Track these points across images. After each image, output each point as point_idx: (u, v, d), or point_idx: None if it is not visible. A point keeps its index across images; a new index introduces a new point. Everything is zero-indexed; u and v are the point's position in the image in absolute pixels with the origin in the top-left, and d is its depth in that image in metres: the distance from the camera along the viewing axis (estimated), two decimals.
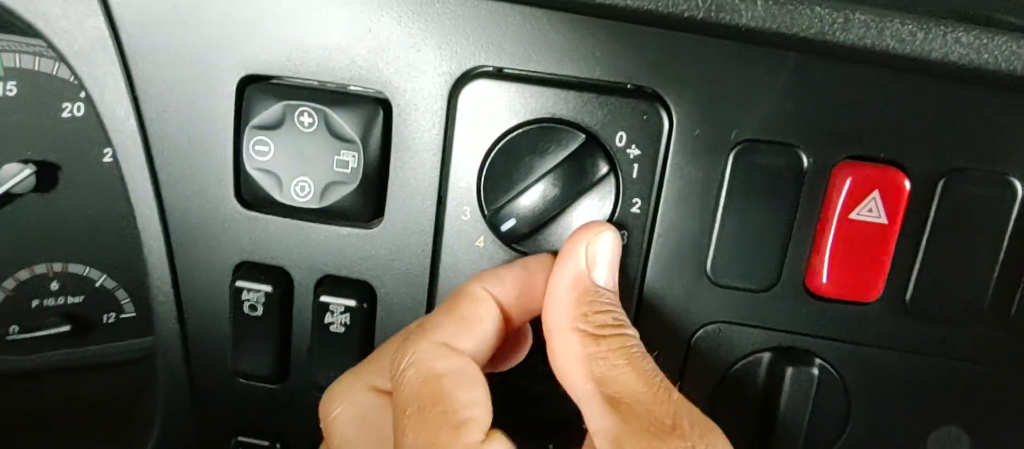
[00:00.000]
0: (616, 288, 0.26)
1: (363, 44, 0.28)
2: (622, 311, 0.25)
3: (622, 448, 0.21)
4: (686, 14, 0.26)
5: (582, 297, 0.24)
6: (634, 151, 0.27)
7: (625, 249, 0.28)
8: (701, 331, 0.29)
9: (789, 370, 0.28)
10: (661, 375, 0.23)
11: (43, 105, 0.38)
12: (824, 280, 0.27)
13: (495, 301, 0.25)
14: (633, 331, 0.24)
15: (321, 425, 0.26)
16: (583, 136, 0.27)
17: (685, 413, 0.22)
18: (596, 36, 0.27)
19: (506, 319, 0.25)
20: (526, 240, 0.27)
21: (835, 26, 0.25)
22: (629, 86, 0.27)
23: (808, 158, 0.27)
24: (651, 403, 0.22)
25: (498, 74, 0.27)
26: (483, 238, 0.28)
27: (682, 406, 0.22)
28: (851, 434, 0.30)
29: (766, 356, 0.29)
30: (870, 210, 0.26)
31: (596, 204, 0.27)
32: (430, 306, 0.30)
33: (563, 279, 0.25)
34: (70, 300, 0.43)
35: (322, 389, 0.26)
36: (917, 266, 0.27)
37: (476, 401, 0.22)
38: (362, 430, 0.24)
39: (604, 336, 0.23)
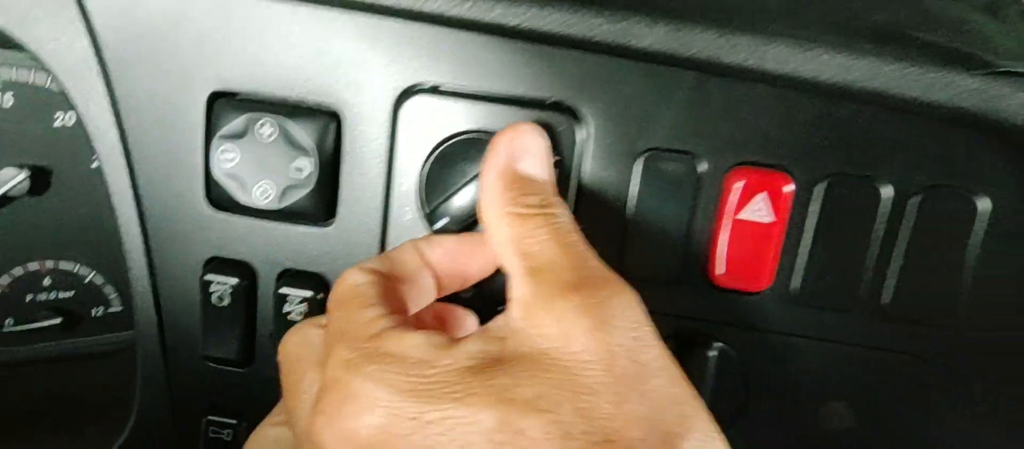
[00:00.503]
0: (546, 174, 0.27)
1: (317, 64, 0.32)
2: (553, 193, 0.27)
3: (527, 308, 0.23)
4: (598, 38, 0.30)
5: (508, 185, 0.26)
6: (553, 159, 0.31)
7: None
8: None
9: (690, 352, 0.31)
10: (583, 246, 0.25)
11: (37, 115, 0.42)
12: (721, 272, 0.31)
13: (421, 255, 0.28)
14: (562, 209, 0.26)
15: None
16: None
17: (596, 273, 0.24)
18: (520, 57, 0.31)
19: (438, 279, 0.28)
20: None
21: (723, 50, 0.29)
22: (549, 101, 0.31)
23: (704, 164, 0.31)
24: (564, 269, 0.23)
25: (435, 91, 0.31)
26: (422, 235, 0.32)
27: (595, 269, 0.24)
28: (751, 410, 0.33)
29: (671, 341, 0.32)
30: (758, 210, 0.30)
31: None
32: None
33: (490, 173, 0.27)
34: (61, 295, 0.47)
35: None
36: (801, 259, 0.31)
37: (388, 293, 0.25)
38: (305, 350, 0.27)
39: (531, 215, 0.25)
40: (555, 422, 0.20)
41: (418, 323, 0.29)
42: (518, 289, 0.24)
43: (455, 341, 0.23)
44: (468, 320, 0.32)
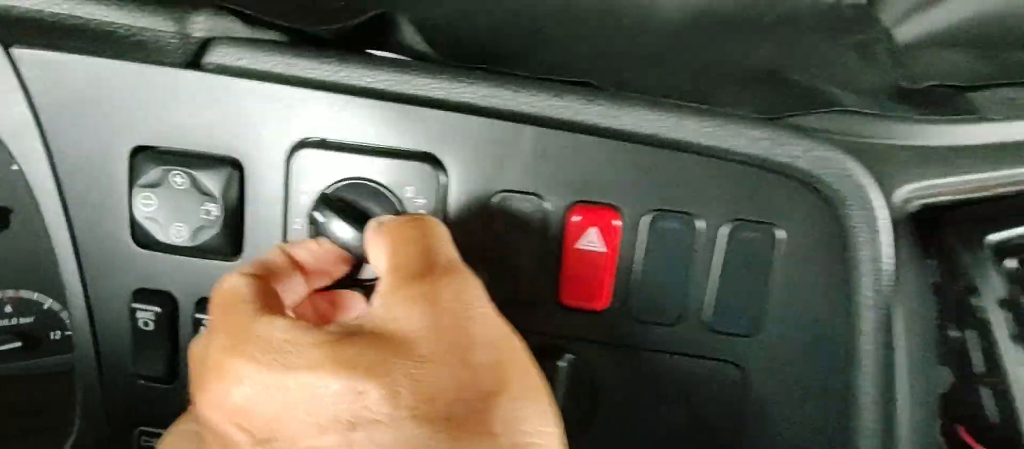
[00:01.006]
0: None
1: (221, 122, 0.37)
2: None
3: (383, 297, 0.27)
4: (454, 99, 0.35)
5: (396, 219, 0.31)
6: (421, 200, 0.36)
7: None
8: None
9: (543, 362, 0.37)
10: (441, 244, 0.29)
11: None
12: (566, 295, 0.36)
13: (290, 257, 0.33)
14: (433, 220, 0.31)
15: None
16: (379, 188, 0.36)
17: (442, 263, 0.28)
18: (391, 115, 0.36)
19: (306, 276, 0.33)
20: None
21: (556, 107, 0.35)
22: (416, 152, 0.36)
23: (548, 203, 0.36)
24: (416, 263, 0.28)
25: (322, 144, 0.37)
26: None
27: (444, 261, 0.28)
28: (602, 414, 0.39)
29: None
30: (591, 241, 0.35)
31: None
32: None
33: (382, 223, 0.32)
34: (22, 320, 0.52)
35: None
36: (634, 283, 0.36)
37: (261, 290, 0.29)
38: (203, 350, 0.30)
39: (404, 224, 0.30)
40: (388, 384, 0.24)
41: (314, 309, 0.35)
42: (380, 284, 0.29)
43: (320, 326, 0.27)
44: (360, 304, 0.37)
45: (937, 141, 0.42)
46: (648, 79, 0.42)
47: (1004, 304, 0.34)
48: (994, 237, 0.36)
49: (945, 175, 0.39)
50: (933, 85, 0.45)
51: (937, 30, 0.60)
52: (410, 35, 0.40)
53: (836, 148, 0.34)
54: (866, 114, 0.38)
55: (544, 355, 0.37)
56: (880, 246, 0.35)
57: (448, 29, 0.45)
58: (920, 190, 0.38)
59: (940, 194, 0.39)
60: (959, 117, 0.41)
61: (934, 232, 0.37)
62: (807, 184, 0.35)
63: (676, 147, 0.35)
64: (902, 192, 0.38)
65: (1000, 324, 0.34)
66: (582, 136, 0.35)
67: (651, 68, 0.46)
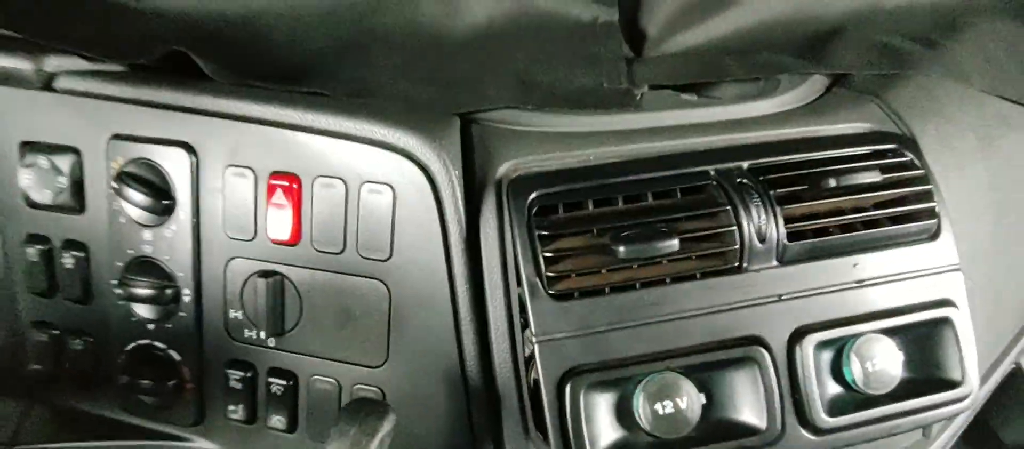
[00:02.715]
0: None
1: (66, 124, 0.58)
2: None
3: None
4: (207, 108, 0.55)
5: None
6: (182, 170, 0.56)
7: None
8: None
9: (258, 279, 0.55)
10: None
11: None
12: (272, 233, 0.55)
13: None
14: None
15: None
16: (156, 165, 0.56)
17: None
18: (158, 117, 0.56)
19: None
20: None
21: (270, 112, 0.53)
22: (179, 141, 0.56)
23: (257, 172, 0.55)
24: None
25: (127, 137, 0.57)
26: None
27: None
28: (295, 313, 0.57)
29: (257, 274, 0.56)
30: (282, 198, 0.54)
31: None
32: None
33: None
34: None
35: None
36: (314, 225, 0.54)
37: None
38: None
39: None
40: None
41: None
42: None
43: None
44: None
45: (547, 128, 0.59)
46: (398, 86, 0.61)
47: (526, 247, 0.51)
48: (535, 194, 0.52)
49: (533, 152, 0.56)
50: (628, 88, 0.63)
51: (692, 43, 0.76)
52: (204, 64, 0.60)
53: (420, 134, 0.52)
54: (522, 109, 0.56)
55: (264, 276, 0.56)
56: (458, 201, 0.52)
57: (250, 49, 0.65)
58: (519, 163, 0.55)
59: (531, 166, 0.55)
60: (570, 111, 0.58)
61: (514, 192, 0.53)
62: (413, 159, 0.52)
63: (336, 136, 0.53)
64: (507, 165, 0.55)
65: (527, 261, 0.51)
66: (274, 129, 0.54)
67: (404, 77, 0.65)
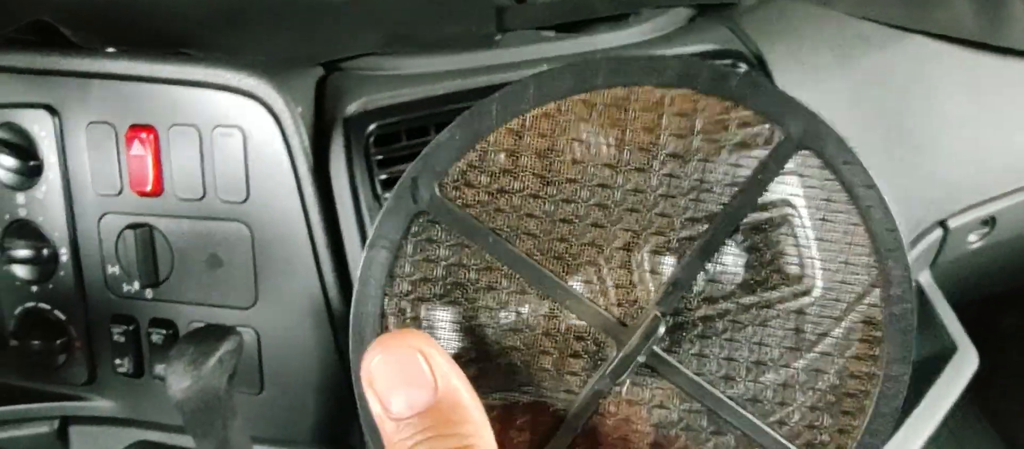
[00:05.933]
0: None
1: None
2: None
3: None
4: (68, 69, 0.57)
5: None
6: (44, 133, 0.57)
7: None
8: None
9: (135, 231, 0.57)
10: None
11: None
12: (134, 186, 0.57)
13: None
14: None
15: None
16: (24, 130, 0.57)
17: None
18: (26, 83, 0.57)
19: None
20: None
21: (125, 67, 0.55)
22: (43, 103, 0.57)
23: (117, 127, 0.56)
24: None
25: (26, 104, 0.59)
26: None
27: None
28: (166, 265, 0.59)
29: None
30: (140, 149, 0.56)
31: None
32: None
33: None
34: None
35: None
36: (173, 174, 0.56)
37: None
38: None
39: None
40: None
41: None
42: None
43: None
44: None
45: (404, 71, 0.61)
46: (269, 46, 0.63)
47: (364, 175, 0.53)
48: (374, 124, 0.54)
49: (385, 91, 0.58)
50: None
51: None
52: (73, 35, 0.62)
53: (266, 77, 0.54)
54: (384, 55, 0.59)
55: (133, 228, 0.58)
56: (302, 137, 0.54)
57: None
58: (368, 101, 0.57)
59: (380, 103, 0.58)
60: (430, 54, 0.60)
61: (356, 125, 0.55)
62: (258, 99, 0.54)
63: (188, 84, 0.55)
64: (357, 103, 0.57)
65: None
66: (129, 82, 0.56)
67: (276, 38, 0.66)
